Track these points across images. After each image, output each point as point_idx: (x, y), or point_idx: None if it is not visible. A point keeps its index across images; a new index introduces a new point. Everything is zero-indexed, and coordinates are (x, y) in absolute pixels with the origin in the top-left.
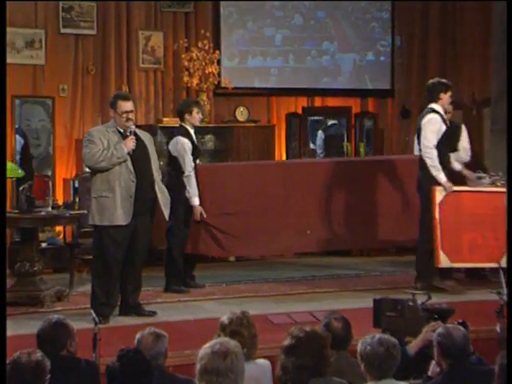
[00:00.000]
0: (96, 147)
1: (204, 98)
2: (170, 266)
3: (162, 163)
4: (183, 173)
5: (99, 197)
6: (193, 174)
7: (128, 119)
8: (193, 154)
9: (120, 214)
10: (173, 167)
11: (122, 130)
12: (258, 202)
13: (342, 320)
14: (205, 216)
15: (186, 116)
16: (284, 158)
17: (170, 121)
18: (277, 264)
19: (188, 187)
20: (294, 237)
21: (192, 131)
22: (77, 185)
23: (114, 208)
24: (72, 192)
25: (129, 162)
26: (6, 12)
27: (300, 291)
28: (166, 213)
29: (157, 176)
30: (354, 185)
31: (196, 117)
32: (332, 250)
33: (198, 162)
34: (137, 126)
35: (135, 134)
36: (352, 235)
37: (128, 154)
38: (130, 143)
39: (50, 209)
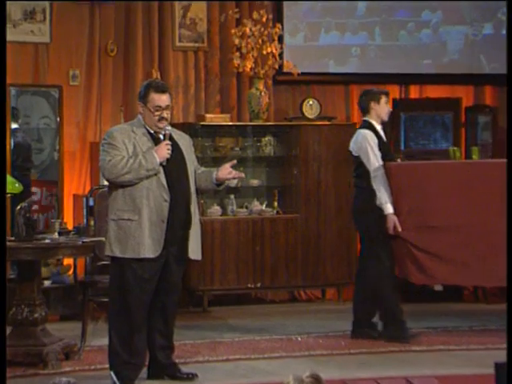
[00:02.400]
0: (119, 154)
1: (260, 87)
2: (380, 302)
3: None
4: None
5: (120, 219)
6: (381, 173)
7: (162, 118)
8: (380, 151)
9: (148, 244)
10: (359, 173)
11: (152, 132)
12: (475, 214)
13: None
14: (399, 229)
15: (372, 105)
16: None
17: (216, 117)
18: None
19: (376, 191)
20: None
21: (379, 127)
22: (92, 203)
23: (141, 235)
24: (85, 213)
25: (161, 175)
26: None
27: (391, 349)
28: (191, 251)
29: (193, 193)
30: None
31: (384, 108)
32: None
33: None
34: (172, 125)
35: (171, 138)
36: None
37: (161, 164)
38: (165, 150)
39: (56, 235)
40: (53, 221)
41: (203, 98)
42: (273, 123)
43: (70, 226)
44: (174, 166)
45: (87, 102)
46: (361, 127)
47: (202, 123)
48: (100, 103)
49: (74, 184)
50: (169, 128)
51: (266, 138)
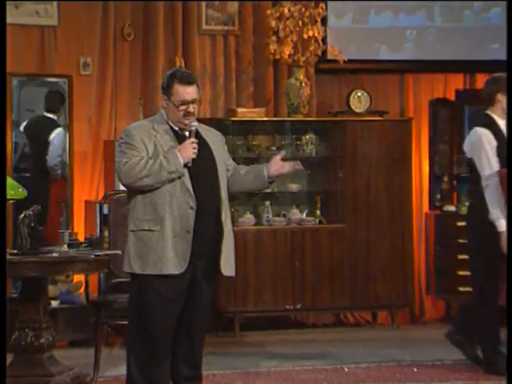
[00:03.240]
0: (137, 155)
1: (300, 76)
2: (480, 328)
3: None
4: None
5: (140, 231)
6: (494, 182)
7: (187, 113)
8: (498, 156)
9: (171, 258)
10: (473, 178)
11: (177, 129)
12: None
13: None
14: None
15: (499, 97)
16: (426, 168)
17: (249, 112)
18: (417, 338)
19: (488, 204)
20: None
21: (502, 123)
22: (106, 211)
23: (163, 248)
24: (99, 222)
25: (186, 179)
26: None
27: (455, 382)
28: (224, 266)
29: (225, 199)
30: None
31: None
32: None
33: None
34: (198, 120)
35: (197, 136)
36: None
37: (185, 166)
38: (189, 150)
39: (65, 247)
40: (61, 231)
41: (234, 90)
42: (315, 119)
43: (80, 237)
44: (202, 168)
45: (100, 95)
46: (479, 123)
47: (232, 119)
48: (115, 96)
49: (86, 189)
50: (195, 124)
51: (307, 136)
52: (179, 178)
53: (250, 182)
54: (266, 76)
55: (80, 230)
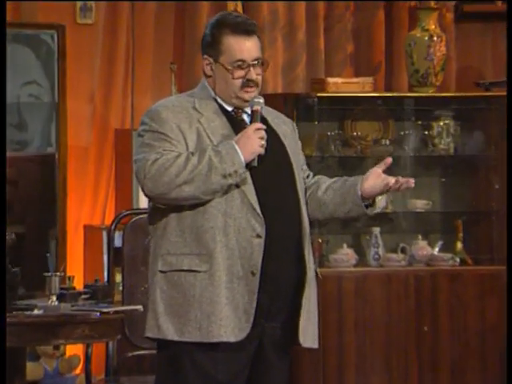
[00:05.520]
0: (172, 149)
1: (431, 26)
2: None
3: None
4: None
5: (175, 271)
6: None
7: (248, 82)
8: None
9: (226, 317)
10: None
11: (230, 109)
12: None
13: None
14: None
15: None
16: None
17: (346, 84)
18: None
19: None
20: None
21: None
22: (118, 242)
23: (213, 301)
24: (106, 259)
25: (249, 189)
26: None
27: None
28: (303, 332)
29: (307, 224)
30: None
31: None
32: None
33: None
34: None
35: (263, 120)
36: None
37: (248, 166)
38: (255, 141)
39: (53, 300)
40: (48, 274)
41: (322, 50)
42: (454, 94)
43: (78, 284)
44: (272, 172)
45: (109, 56)
46: None
47: (319, 95)
48: (133, 58)
49: (86, 206)
50: (260, 100)
51: (441, 123)
52: (237, 186)
53: (335, 205)
54: (374, 26)
55: (77, 273)
